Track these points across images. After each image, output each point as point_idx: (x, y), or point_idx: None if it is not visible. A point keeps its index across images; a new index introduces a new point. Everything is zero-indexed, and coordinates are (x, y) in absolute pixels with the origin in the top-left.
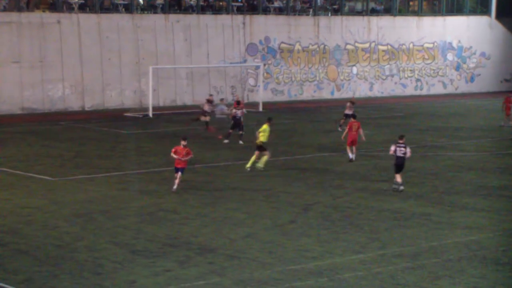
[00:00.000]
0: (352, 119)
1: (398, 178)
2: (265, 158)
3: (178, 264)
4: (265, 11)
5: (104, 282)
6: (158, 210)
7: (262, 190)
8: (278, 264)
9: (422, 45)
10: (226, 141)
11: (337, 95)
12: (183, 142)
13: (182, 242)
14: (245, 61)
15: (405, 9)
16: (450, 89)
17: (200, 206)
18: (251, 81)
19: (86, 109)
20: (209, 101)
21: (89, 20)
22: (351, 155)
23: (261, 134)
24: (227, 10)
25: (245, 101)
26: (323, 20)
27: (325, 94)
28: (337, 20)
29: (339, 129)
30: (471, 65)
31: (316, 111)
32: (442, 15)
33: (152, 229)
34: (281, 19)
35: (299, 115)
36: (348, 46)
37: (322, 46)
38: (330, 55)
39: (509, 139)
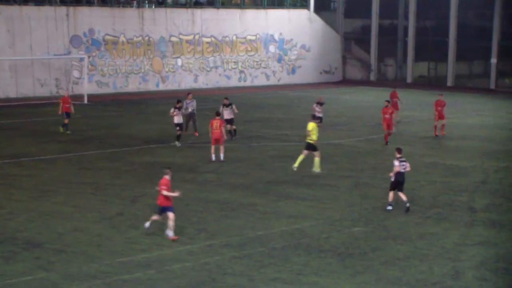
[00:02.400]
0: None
1: (403, 196)
2: (317, 160)
3: (3, 260)
4: (89, 2)
5: None
6: None
7: (90, 183)
8: (107, 257)
9: (245, 38)
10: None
11: (162, 87)
12: (169, 173)
13: (8, 238)
14: (69, 53)
15: (228, 2)
16: (272, 81)
17: (26, 200)
18: (75, 73)
19: None
20: (225, 106)
21: None
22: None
23: (313, 132)
24: (50, 2)
25: (70, 93)
26: (148, 12)
27: (151, 86)
28: (162, 12)
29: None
30: (292, 57)
31: (141, 103)
32: (264, 8)
33: None
34: (105, 11)
35: (125, 107)
36: (173, 38)
37: (146, 38)
38: (155, 47)
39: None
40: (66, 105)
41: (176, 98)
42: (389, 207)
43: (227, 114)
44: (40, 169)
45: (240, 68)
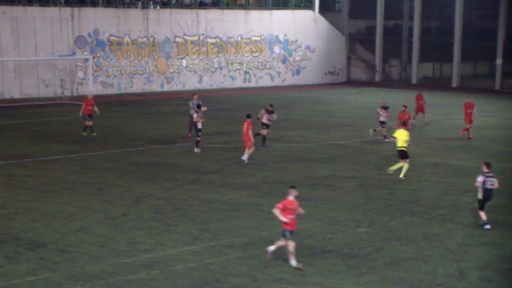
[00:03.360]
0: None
1: (483, 215)
2: (406, 166)
3: (7, 260)
4: (94, 3)
5: None
6: None
7: (94, 183)
8: (110, 258)
9: (250, 38)
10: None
11: (167, 87)
12: (293, 192)
13: (11, 238)
14: (74, 53)
15: (232, 3)
16: (277, 82)
17: (30, 200)
18: (80, 74)
19: None
20: (269, 112)
21: None
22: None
23: (404, 138)
24: (54, 2)
25: (74, 94)
26: (152, 13)
27: (155, 87)
28: (166, 13)
29: (386, 139)
30: (297, 58)
31: (146, 103)
32: (269, 9)
33: None
34: (110, 11)
35: (130, 108)
36: (177, 39)
37: (151, 39)
38: (159, 48)
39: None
40: (88, 107)
41: (180, 98)
42: (487, 226)
43: (266, 119)
44: (44, 170)
45: (244, 69)
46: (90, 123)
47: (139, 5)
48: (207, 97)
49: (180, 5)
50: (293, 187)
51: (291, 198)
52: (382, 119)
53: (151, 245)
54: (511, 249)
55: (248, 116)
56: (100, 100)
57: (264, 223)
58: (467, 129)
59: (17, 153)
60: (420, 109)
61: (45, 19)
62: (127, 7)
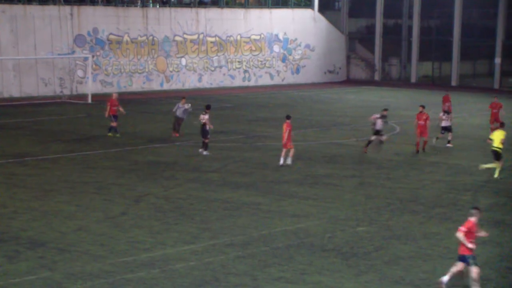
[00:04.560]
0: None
1: None
2: (499, 167)
3: (7, 259)
4: (93, 2)
5: None
6: None
7: (93, 182)
8: (110, 257)
9: (249, 37)
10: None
11: (166, 86)
12: (477, 214)
13: (11, 237)
14: (73, 52)
15: (232, 2)
16: (277, 80)
17: (29, 199)
18: (79, 73)
19: None
20: (382, 117)
21: None
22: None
23: (502, 139)
24: (54, 1)
25: (74, 93)
26: (152, 12)
27: (155, 86)
28: (166, 11)
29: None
30: (297, 57)
31: (145, 102)
32: (268, 7)
33: None
34: (110, 10)
35: (129, 107)
36: (177, 38)
37: (151, 37)
38: (159, 46)
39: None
40: (113, 108)
41: (180, 97)
42: None
43: (379, 125)
44: (43, 169)
45: (244, 67)
46: (114, 123)
47: (139, 4)
48: (207, 96)
49: (180, 3)
50: (476, 208)
51: (473, 219)
52: (444, 124)
53: (151, 244)
54: (510, 247)
55: (288, 117)
56: (99, 99)
57: (263, 222)
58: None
59: (16, 152)
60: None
61: (45, 17)
62: (127, 6)
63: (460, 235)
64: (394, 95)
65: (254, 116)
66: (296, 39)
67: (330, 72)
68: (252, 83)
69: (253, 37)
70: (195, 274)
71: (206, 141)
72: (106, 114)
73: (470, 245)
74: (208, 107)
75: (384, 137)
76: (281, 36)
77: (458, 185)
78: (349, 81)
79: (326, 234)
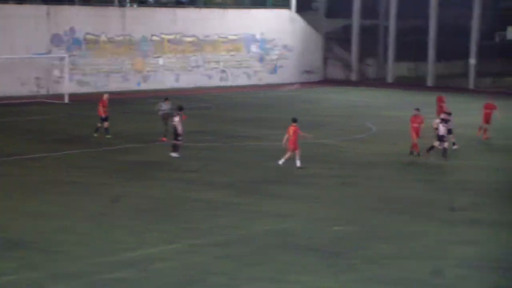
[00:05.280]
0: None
1: None
2: None
3: None
4: (70, 1)
5: None
6: None
7: (75, 182)
8: (91, 257)
9: (227, 37)
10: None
11: (143, 86)
12: None
13: None
14: (50, 52)
15: (210, 1)
16: (254, 80)
17: (10, 199)
18: (56, 72)
19: None
20: (444, 121)
21: None
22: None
23: None
24: (30, 0)
25: (50, 93)
26: (130, 11)
27: (132, 86)
28: (143, 11)
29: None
30: (274, 57)
31: (123, 102)
32: (246, 8)
33: None
34: (87, 9)
35: (107, 107)
36: (155, 38)
37: (128, 37)
38: (136, 46)
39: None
40: (104, 108)
41: (157, 97)
42: None
43: (442, 130)
44: (23, 168)
45: (221, 67)
46: (106, 124)
47: (116, 3)
48: (184, 96)
49: (157, 3)
50: None
51: None
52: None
53: (133, 244)
54: (488, 246)
55: (294, 120)
56: (76, 98)
57: (244, 222)
58: (484, 130)
59: None
60: (440, 110)
61: (21, 17)
62: (104, 5)
63: None
64: (372, 95)
65: (232, 116)
66: (273, 39)
67: (307, 72)
68: (229, 83)
69: (230, 37)
70: (176, 274)
71: (177, 143)
72: (100, 113)
73: None
74: (180, 109)
75: (446, 144)
76: (258, 36)
77: (436, 185)
78: (326, 81)
79: (334, 227)
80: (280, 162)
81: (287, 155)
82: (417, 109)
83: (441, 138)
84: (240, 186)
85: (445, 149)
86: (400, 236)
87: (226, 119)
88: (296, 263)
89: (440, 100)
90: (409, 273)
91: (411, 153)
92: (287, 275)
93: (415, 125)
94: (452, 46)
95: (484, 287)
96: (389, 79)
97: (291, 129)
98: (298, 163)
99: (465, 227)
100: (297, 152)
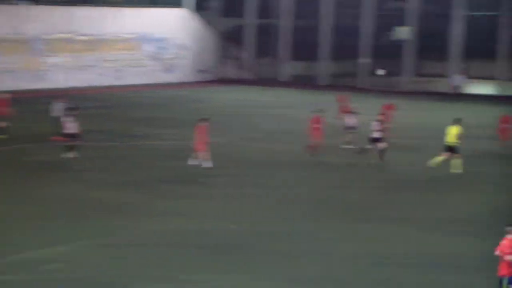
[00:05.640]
0: None
1: None
2: (458, 161)
3: None
4: None
5: None
6: None
7: None
8: None
9: (122, 36)
10: None
11: (37, 85)
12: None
13: None
14: None
15: (105, 0)
16: (148, 80)
17: None
18: None
19: None
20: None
21: None
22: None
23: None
24: None
25: None
26: (22, 9)
27: (25, 85)
28: (37, 9)
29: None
30: (169, 56)
31: (16, 102)
32: (141, 6)
33: None
34: None
35: None
36: (48, 36)
37: (21, 36)
38: (29, 45)
39: None
40: (2, 108)
41: (51, 97)
42: None
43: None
44: None
45: (116, 66)
46: (3, 124)
47: (9, 1)
48: (79, 95)
49: (51, 1)
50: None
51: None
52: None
53: (23, 245)
54: (378, 242)
55: (203, 120)
56: None
57: (135, 222)
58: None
59: None
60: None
61: None
62: None
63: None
64: (266, 94)
65: (128, 115)
66: (168, 39)
67: (202, 71)
68: (124, 82)
69: (125, 36)
70: (68, 275)
71: (71, 143)
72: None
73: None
74: (74, 108)
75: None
76: (153, 36)
77: (329, 182)
78: (222, 81)
79: (230, 225)
80: (191, 162)
81: (196, 154)
82: (320, 110)
83: (375, 140)
84: (136, 186)
85: (381, 151)
86: (290, 234)
87: (121, 119)
88: (188, 262)
89: (341, 99)
90: (300, 271)
91: (308, 152)
92: (178, 274)
93: (316, 125)
94: (344, 45)
95: (374, 284)
96: (284, 78)
97: (199, 129)
98: (202, 163)
99: (358, 224)
100: (204, 153)
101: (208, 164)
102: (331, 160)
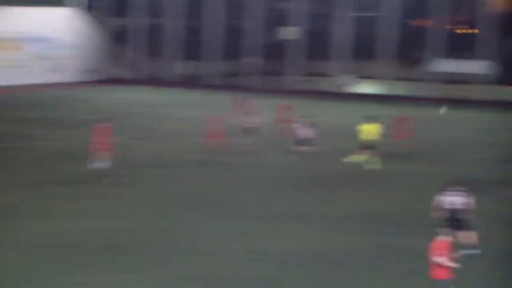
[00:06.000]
0: None
1: None
2: (376, 158)
3: None
4: None
5: None
6: None
7: None
8: None
9: (7, 35)
10: None
11: None
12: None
13: None
14: None
15: None
16: (36, 80)
17: None
18: None
19: None
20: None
21: None
22: None
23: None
24: None
25: None
26: None
27: None
28: None
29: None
30: (58, 56)
31: None
32: (28, 5)
33: None
34: None
35: None
36: None
37: None
38: None
39: None
40: None
41: None
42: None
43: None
44: None
45: (2, 66)
46: None
47: None
48: None
49: None
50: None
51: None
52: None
53: None
54: (295, 241)
55: (104, 120)
56: None
57: (28, 222)
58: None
59: None
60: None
61: None
62: None
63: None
64: (153, 94)
65: (16, 116)
66: (55, 38)
67: (91, 71)
68: (9, 82)
69: (9, 35)
70: None
71: None
72: None
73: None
74: None
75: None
76: (38, 35)
77: (230, 183)
78: (111, 80)
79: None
80: (92, 164)
81: (96, 155)
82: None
83: (300, 143)
84: (25, 188)
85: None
86: (191, 234)
87: (8, 119)
88: (71, 263)
89: (240, 103)
90: (204, 271)
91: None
92: (59, 275)
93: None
94: (233, 45)
95: (258, 281)
96: (174, 77)
97: (100, 129)
98: (100, 164)
99: (251, 222)
100: (105, 153)
101: (106, 164)
102: (229, 159)
